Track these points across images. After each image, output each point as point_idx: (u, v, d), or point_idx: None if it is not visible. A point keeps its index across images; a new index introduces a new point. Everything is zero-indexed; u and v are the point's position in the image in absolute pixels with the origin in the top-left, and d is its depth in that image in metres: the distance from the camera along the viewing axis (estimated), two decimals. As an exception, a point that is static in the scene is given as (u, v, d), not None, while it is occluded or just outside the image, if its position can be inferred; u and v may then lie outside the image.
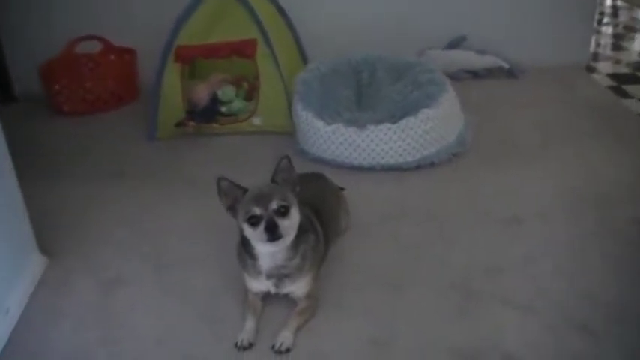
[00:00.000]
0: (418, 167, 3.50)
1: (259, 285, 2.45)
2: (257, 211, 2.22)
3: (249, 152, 3.85)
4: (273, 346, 2.27)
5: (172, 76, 3.95)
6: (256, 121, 3.99)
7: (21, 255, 2.75)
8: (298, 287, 2.43)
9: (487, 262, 2.77)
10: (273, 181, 2.32)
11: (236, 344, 2.31)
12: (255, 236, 2.27)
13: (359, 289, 2.59)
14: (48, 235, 2.97)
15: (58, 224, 3.15)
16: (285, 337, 2.29)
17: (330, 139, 3.46)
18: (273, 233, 2.22)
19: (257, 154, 3.80)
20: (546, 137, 3.89)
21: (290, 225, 2.30)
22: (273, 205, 2.23)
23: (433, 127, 3.44)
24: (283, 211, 2.24)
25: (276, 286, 2.43)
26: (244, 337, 2.32)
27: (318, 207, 2.64)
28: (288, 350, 2.26)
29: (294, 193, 2.33)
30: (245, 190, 2.30)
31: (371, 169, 3.50)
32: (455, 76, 4.43)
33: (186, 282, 2.74)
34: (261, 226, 2.21)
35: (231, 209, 2.32)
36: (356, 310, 2.49)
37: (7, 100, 4.71)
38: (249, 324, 2.38)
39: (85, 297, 2.68)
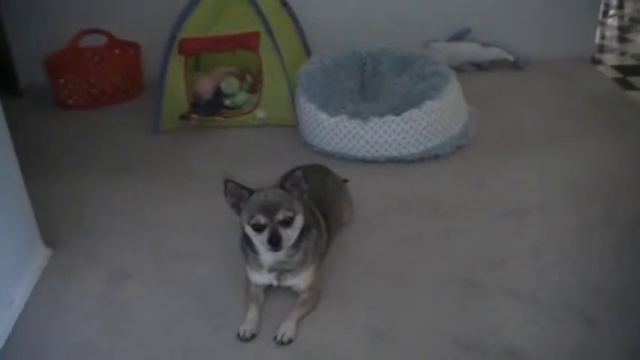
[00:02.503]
0: (422, 159, 3.50)
1: (261, 278, 2.45)
2: (262, 219, 2.21)
3: (252, 145, 3.86)
4: (275, 337, 2.28)
5: (176, 68, 3.96)
6: (260, 113, 3.99)
7: (25, 247, 2.76)
8: (300, 280, 2.44)
9: (491, 253, 2.77)
10: (281, 187, 2.29)
11: (238, 335, 2.32)
12: (258, 240, 2.28)
13: (362, 281, 2.60)
14: (52, 228, 2.99)
15: (62, 217, 3.17)
16: (287, 328, 2.30)
17: (334, 131, 3.46)
18: (276, 244, 2.22)
19: (261, 147, 3.81)
20: (550, 129, 3.88)
21: (293, 233, 2.30)
22: (279, 216, 2.22)
23: (437, 119, 3.43)
24: (288, 221, 2.24)
25: (278, 279, 2.44)
26: (247, 328, 2.33)
27: (321, 199, 2.65)
28: (290, 341, 2.27)
29: (301, 200, 2.32)
30: (251, 192, 2.27)
31: (375, 161, 3.50)
32: (459, 69, 4.42)
33: (188, 274, 2.75)
34: (265, 235, 2.22)
35: (236, 207, 2.31)
36: (359, 301, 2.49)
37: (12, 93, 4.71)
38: (252, 315, 2.39)
39: (89, 288, 2.69)
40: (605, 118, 4.01)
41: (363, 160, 3.50)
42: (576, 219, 2.99)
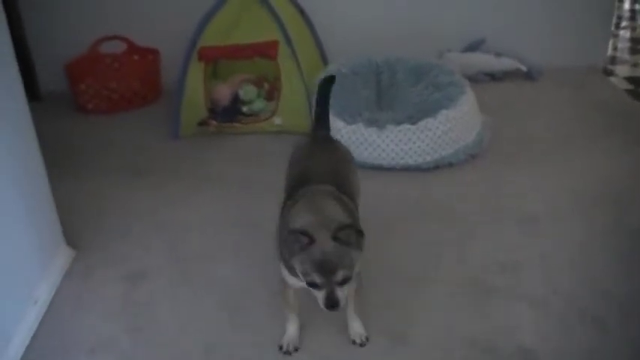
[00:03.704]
0: (437, 167, 3.56)
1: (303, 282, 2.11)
2: (318, 279, 1.96)
3: (269, 151, 3.90)
4: (354, 342, 2.34)
5: (195, 75, 4.03)
6: (277, 120, 4.06)
7: (49, 248, 2.83)
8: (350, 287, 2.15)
9: (503, 258, 2.82)
10: (335, 238, 1.96)
11: (281, 348, 2.32)
12: (312, 293, 2.02)
13: (378, 284, 2.64)
14: (74, 229, 3.06)
15: (84, 218, 3.24)
16: (359, 328, 2.36)
17: (350, 139, 3.51)
18: (333, 307, 1.98)
19: (278, 154, 3.82)
20: (562, 139, 3.93)
21: (350, 287, 2.13)
22: (338, 277, 1.95)
23: (452, 127, 3.49)
24: (347, 280, 1.98)
25: None
26: (290, 342, 2.33)
27: (345, 184, 2.38)
28: (367, 339, 2.35)
29: (359, 250, 2.03)
30: (312, 241, 1.95)
31: (391, 169, 3.55)
32: (473, 79, 4.47)
33: (206, 274, 2.82)
34: (321, 294, 1.97)
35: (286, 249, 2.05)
36: (375, 303, 2.53)
37: (33, 98, 4.75)
38: (293, 328, 2.36)
39: (110, 288, 2.76)
40: (616, 128, 4.05)
41: (380, 168, 3.56)
42: (586, 226, 3.04)
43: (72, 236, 3.01)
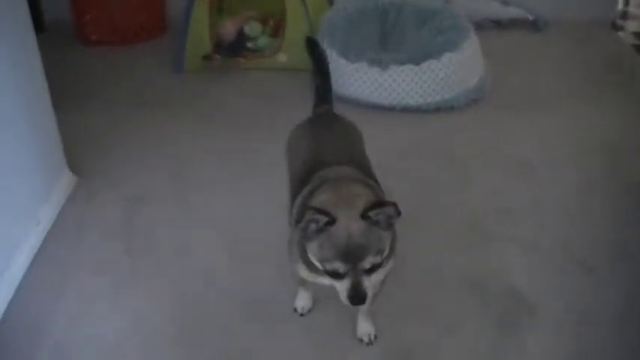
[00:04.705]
0: (438, 110, 3.57)
1: (323, 280, 1.82)
2: (341, 268, 1.66)
3: (272, 87, 3.93)
4: (361, 340, 2.18)
5: (201, 10, 4.01)
6: (281, 57, 4.07)
7: (52, 172, 2.88)
8: (378, 276, 1.88)
9: (498, 202, 2.88)
10: (364, 216, 1.65)
11: (295, 310, 2.29)
12: (334, 282, 1.73)
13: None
14: (78, 157, 3.11)
15: (88, 147, 3.29)
16: (368, 328, 2.19)
17: (353, 77, 3.53)
18: (358, 302, 1.70)
19: (281, 90, 3.88)
20: (565, 89, 3.94)
21: (378, 277, 1.85)
22: (366, 264, 1.66)
23: (454, 70, 3.50)
24: (376, 267, 1.70)
25: None
26: (304, 304, 2.29)
27: (364, 165, 2.17)
28: (376, 337, 2.19)
29: (390, 232, 1.74)
30: (332, 220, 1.64)
31: (392, 109, 3.57)
32: (479, 25, 4.43)
33: (205, 202, 2.88)
34: (345, 286, 1.68)
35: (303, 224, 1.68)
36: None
37: (37, 28, 4.73)
38: (303, 292, 2.27)
39: (111, 212, 2.82)
40: (620, 82, 4.05)
41: (380, 107, 3.58)
42: (583, 175, 3.08)
43: (75, 164, 3.06)
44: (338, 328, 2.24)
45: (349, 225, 1.63)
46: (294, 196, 2.01)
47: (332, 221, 1.63)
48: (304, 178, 1.99)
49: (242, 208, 2.83)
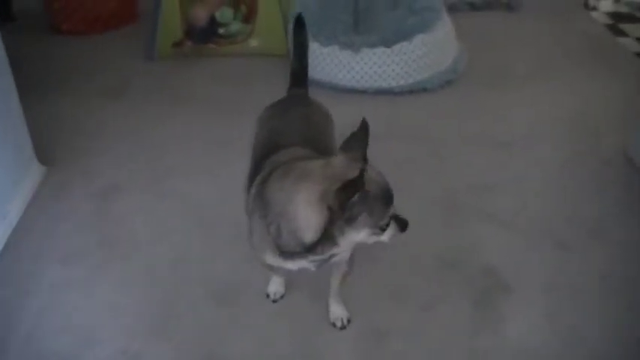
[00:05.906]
0: (411, 92, 3.56)
1: (293, 265, 1.83)
2: (392, 210, 1.72)
3: (245, 73, 3.90)
4: (334, 325, 2.18)
5: (172, -4, 3.97)
6: (253, 42, 4.04)
7: (20, 165, 2.83)
8: (343, 255, 1.92)
9: (474, 181, 2.88)
10: (345, 148, 1.75)
11: (268, 295, 2.30)
12: (380, 236, 1.73)
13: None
14: (47, 148, 3.07)
15: (58, 137, 3.24)
16: (340, 312, 2.19)
17: (325, 61, 3.51)
18: (406, 223, 1.79)
19: (253, 75, 3.86)
20: (539, 68, 3.94)
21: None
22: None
23: (427, 52, 3.49)
24: None
25: (320, 265, 1.84)
26: (276, 290, 2.29)
27: (328, 145, 2.14)
28: (349, 321, 2.19)
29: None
30: (365, 192, 1.60)
31: (364, 92, 3.56)
32: (454, 7, 4.44)
33: (180, 190, 2.85)
34: (394, 224, 1.74)
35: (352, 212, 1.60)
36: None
37: (5, 17, 4.68)
38: (276, 277, 2.28)
39: (83, 203, 2.79)
40: (594, 60, 4.06)
41: (353, 90, 3.56)
42: (559, 152, 3.09)
43: (46, 155, 3.02)
44: (311, 314, 2.24)
45: (370, 176, 1.64)
46: (250, 183, 1.94)
47: (366, 190, 1.58)
48: (258, 163, 1.96)
49: (217, 194, 2.80)
